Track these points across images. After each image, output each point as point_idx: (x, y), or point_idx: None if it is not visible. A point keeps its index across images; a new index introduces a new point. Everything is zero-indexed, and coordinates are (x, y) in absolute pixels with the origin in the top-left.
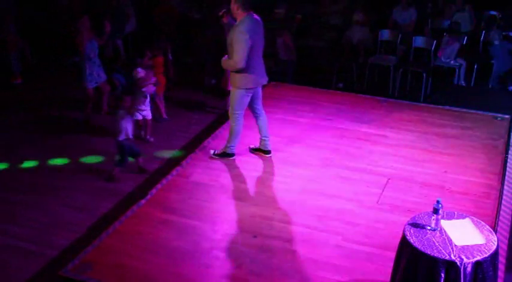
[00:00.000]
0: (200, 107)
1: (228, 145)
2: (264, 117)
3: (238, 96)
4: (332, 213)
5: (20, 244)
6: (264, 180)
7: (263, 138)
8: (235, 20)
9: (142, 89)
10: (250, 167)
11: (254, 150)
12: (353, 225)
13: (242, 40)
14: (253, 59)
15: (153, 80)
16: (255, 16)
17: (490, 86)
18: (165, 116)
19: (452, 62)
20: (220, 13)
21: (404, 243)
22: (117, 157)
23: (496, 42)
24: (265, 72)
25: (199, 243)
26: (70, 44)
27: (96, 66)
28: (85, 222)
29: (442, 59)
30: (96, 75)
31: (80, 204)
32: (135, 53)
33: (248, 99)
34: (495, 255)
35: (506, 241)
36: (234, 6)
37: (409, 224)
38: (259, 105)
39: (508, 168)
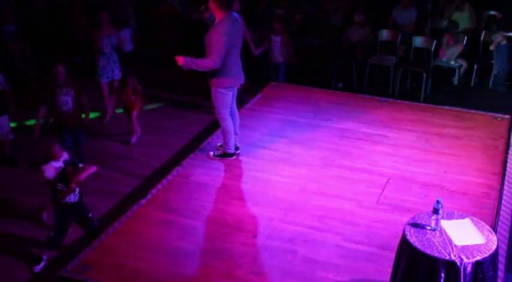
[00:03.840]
0: (199, 107)
1: (226, 145)
2: (236, 117)
3: (219, 96)
4: (332, 213)
5: (20, 244)
6: (264, 180)
7: (234, 135)
8: (214, 15)
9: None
10: (250, 167)
11: (221, 147)
12: (353, 225)
13: (219, 41)
14: (231, 59)
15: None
16: (235, 15)
17: (490, 86)
18: (134, 140)
19: (452, 62)
20: (201, 9)
21: (404, 243)
22: None
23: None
24: (242, 72)
25: (199, 243)
26: (70, 44)
27: (111, 62)
28: None
29: (443, 59)
30: (110, 71)
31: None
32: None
33: (229, 97)
34: (495, 255)
35: (506, 241)
36: (211, 5)
37: (409, 224)
38: (234, 104)
39: (508, 168)
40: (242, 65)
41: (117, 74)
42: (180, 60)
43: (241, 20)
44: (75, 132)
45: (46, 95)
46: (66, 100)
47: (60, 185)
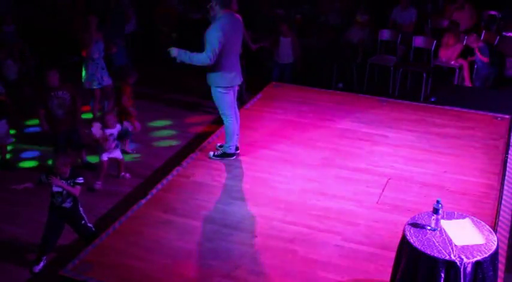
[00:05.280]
0: (200, 107)
1: (227, 145)
2: (237, 116)
3: (218, 95)
4: (332, 213)
5: (20, 244)
6: (264, 180)
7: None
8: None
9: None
10: (251, 167)
11: (221, 147)
12: (353, 225)
13: (215, 37)
14: (230, 57)
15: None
16: (235, 15)
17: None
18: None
19: (452, 62)
20: (208, 6)
21: (404, 243)
22: None
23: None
24: (240, 72)
25: (199, 243)
26: (70, 43)
27: (100, 68)
28: None
29: (443, 60)
30: (99, 77)
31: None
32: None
33: (230, 95)
34: (495, 255)
35: (506, 241)
36: (212, 3)
37: (409, 224)
38: (234, 103)
39: (508, 168)
40: (242, 65)
41: (106, 80)
42: (174, 51)
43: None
44: (69, 136)
45: (40, 98)
46: (61, 103)
47: (55, 188)
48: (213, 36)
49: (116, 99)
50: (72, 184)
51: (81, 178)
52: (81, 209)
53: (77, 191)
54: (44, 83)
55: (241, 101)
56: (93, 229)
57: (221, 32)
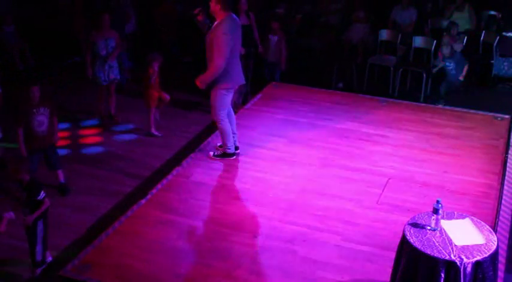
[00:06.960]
0: (200, 107)
1: (225, 146)
2: (232, 116)
3: (220, 96)
4: (332, 213)
5: (20, 244)
6: (264, 180)
7: (232, 135)
8: (209, 18)
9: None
10: (250, 167)
11: (221, 147)
12: (353, 225)
13: (224, 41)
14: (232, 59)
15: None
16: (235, 16)
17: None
18: (154, 131)
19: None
20: (196, 11)
21: (404, 243)
22: None
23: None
24: (242, 73)
25: (199, 243)
26: (70, 43)
27: (107, 65)
28: (85, 222)
29: (442, 60)
30: (106, 74)
31: (80, 205)
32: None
33: (229, 98)
34: (495, 255)
35: (506, 241)
36: (216, 6)
37: (409, 224)
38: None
39: (508, 168)
40: (249, 66)
41: (114, 77)
42: (198, 83)
43: (253, 19)
44: (46, 152)
45: (20, 116)
46: (42, 120)
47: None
48: (222, 40)
49: (143, 84)
50: (37, 205)
51: (42, 194)
52: (40, 230)
53: (45, 207)
54: (24, 100)
55: (244, 101)
56: (47, 260)
57: (228, 35)
